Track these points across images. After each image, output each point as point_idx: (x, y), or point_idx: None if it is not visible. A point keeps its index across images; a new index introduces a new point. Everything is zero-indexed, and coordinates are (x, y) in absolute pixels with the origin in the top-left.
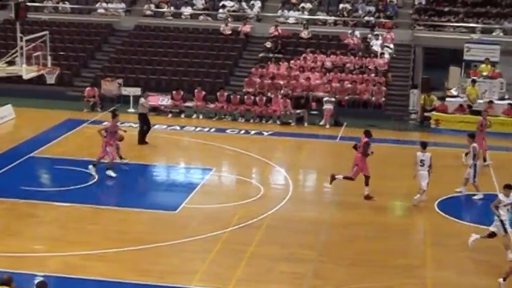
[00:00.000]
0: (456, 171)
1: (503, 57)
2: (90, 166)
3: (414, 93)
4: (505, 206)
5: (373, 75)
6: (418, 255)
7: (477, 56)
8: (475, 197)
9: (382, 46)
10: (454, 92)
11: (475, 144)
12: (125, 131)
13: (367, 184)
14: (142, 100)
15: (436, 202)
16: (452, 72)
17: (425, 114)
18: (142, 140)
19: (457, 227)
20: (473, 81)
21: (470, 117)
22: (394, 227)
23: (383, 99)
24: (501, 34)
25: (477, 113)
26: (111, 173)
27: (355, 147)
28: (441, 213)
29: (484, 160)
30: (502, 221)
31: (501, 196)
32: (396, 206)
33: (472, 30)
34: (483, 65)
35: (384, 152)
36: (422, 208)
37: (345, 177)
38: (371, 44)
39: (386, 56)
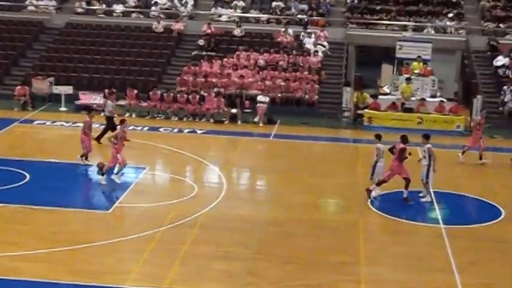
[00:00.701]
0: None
1: (434, 54)
2: (113, 176)
3: (347, 91)
4: None
5: (306, 73)
6: (351, 252)
7: (409, 54)
8: (423, 199)
9: (315, 44)
10: (386, 89)
11: (429, 145)
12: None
13: (407, 187)
14: (109, 103)
15: (369, 199)
16: (384, 70)
17: (358, 111)
18: (98, 138)
19: (390, 223)
20: (408, 79)
21: (403, 115)
22: (328, 224)
23: (316, 97)
24: (432, 32)
25: (409, 110)
26: (116, 178)
27: (391, 150)
28: (374, 210)
29: (480, 158)
30: None
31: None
32: (330, 203)
33: (404, 28)
34: (415, 63)
35: (318, 150)
36: (356, 205)
37: (378, 184)
38: (304, 42)
39: (320, 54)
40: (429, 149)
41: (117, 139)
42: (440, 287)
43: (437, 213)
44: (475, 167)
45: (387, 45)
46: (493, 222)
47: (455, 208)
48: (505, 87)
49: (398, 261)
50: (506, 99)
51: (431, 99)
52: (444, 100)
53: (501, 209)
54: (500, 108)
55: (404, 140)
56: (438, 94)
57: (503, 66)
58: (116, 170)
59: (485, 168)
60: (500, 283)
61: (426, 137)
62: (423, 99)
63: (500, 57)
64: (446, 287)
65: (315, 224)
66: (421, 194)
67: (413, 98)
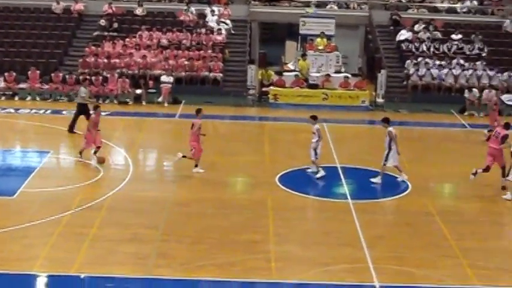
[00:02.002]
0: (296, 145)
1: (338, 30)
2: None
3: (252, 69)
4: None
5: (210, 51)
6: (261, 230)
7: (313, 30)
8: (373, 180)
9: (219, 22)
10: (291, 66)
11: (390, 129)
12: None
13: (503, 175)
14: (82, 89)
15: (277, 176)
16: (288, 47)
17: (264, 89)
18: (71, 128)
19: (298, 200)
20: (304, 55)
21: (308, 91)
22: (237, 202)
23: (221, 75)
24: (335, 8)
25: (315, 86)
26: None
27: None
28: (282, 187)
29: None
30: None
31: None
32: (237, 181)
33: (307, 4)
34: (319, 39)
35: (224, 128)
36: (264, 183)
37: (484, 170)
38: (207, 20)
39: (223, 32)
40: (390, 132)
41: (93, 124)
42: (350, 262)
43: (344, 188)
44: (381, 142)
45: (290, 22)
46: (400, 195)
47: (363, 183)
48: (409, 61)
49: (308, 237)
50: (410, 73)
51: (336, 75)
52: (349, 75)
53: (408, 182)
54: (404, 82)
55: (507, 126)
56: (343, 70)
57: (406, 40)
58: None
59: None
60: (408, 255)
61: (386, 121)
62: (328, 75)
63: (403, 32)
64: (356, 261)
65: (224, 203)
66: (309, 170)
67: (317, 74)
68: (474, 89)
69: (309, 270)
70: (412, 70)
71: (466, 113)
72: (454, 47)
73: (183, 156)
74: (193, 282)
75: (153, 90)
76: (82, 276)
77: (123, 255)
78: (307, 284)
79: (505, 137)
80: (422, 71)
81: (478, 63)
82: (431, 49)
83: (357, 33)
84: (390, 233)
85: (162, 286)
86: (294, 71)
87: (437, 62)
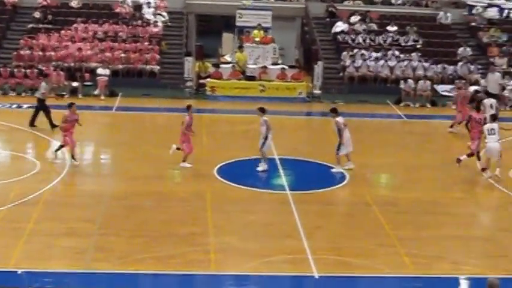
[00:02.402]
0: (234, 137)
1: (275, 22)
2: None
3: (189, 61)
4: None
5: (146, 43)
6: (200, 223)
7: (249, 22)
8: (333, 170)
9: (155, 14)
10: (228, 58)
11: (337, 119)
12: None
13: (479, 158)
14: (43, 85)
15: (215, 168)
16: (225, 39)
17: (201, 81)
18: (31, 122)
19: (237, 192)
20: (241, 47)
21: (246, 83)
22: (175, 195)
23: (157, 67)
24: (272, 0)
25: (252, 78)
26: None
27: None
28: (221, 179)
29: (451, 126)
30: None
31: None
32: (175, 174)
33: None
34: (256, 31)
35: (161, 121)
36: (202, 175)
37: (469, 155)
38: (143, 12)
39: (159, 24)
40: (337, 123)
41: (67, 122)
42: (289, 253)
43: (283, 179)
44: (319, 133)
45: (227, 14)
46: (338, 186)
47: (301, 174)
48: (345, 52)
49: (247, 229)
50: (346, 65)
51: (273, 67)
52: (286, 67)
53: (345, 173)
54: (341, 74)
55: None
56: (279, 61)
57: (342, 32)
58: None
59: (328, 134)
60: (346, 245)
61: (334, 111)
62: (265, 67)
63: (339, 23)
64: (295, 252)
65: (162, 196)
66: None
67: (254, 66)
68: (409, 80)
69: (248, 262)
70: (348, 62)
71: (401, 104)
72: (390, 39)
73: (177, 149)
74: (132, 275)
75: (90, 83)
76: (19, 271)
77: (61, 250)
78: (246, 275)
79: (485, 118)
80: (359, 62)
81: (413, 54)
82: (367, 41)
83: (293, 25)
84: (328, 223)
85: (101, 280)
86: (231, 63)
87: (373, 54)
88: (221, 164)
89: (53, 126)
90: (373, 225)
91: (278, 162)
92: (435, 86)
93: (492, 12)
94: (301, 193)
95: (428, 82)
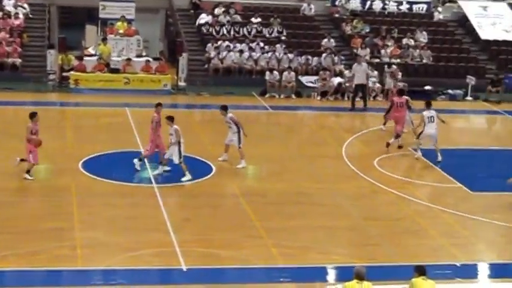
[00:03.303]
0: (98, 130)
1: (138, 14)
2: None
3: (51, 54)
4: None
5: (7, 36)
6: (65, 218)
7: (113, 14)
8: (239, 166)
9: (16, 6)
10: (91, 50)
11: (231, 115)
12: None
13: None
14: None
15: (80, 162)
16: (88, 31)
17: (64, 74)
18: None
19: (103, 186)
20: (104, 39)
21: (110, 76)
22: (40, 190)
23: (19, 60)
24: None
25: (116, 71)
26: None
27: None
28: (86, 173)
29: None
30: None
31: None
32: (40, 168)
33: None
34: (119, 23)
35: (24, 115)
36: (67, 169)
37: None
38: (4, 4)
39: (20, 16)
40: (232, 118)
41: (32, 134)
42: (157, 246)
43: (149, 173)
44: (185, 125)
45: (90, 6)
46: (205, 178)
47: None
48: (209, 44)
49: (114, 223)
50: (211, 57)
51: (137, 59)
52: (150, 59)
53: (211, 164)
54: (206, 66)
55: (401, 92)
56: (144, 54)
57: (206, 23)
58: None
59: (193, 127)
60: (214, 237)
61: (224, 108)
62: (129, 59)
63: (203, 15)
64: (163, 245)
65: (26, 191)
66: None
67: (118, 59)
68: (274, 72)
69: (115, 256)
70: (213, 53)
71: (267, 95)
72: (254, 30)
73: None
74: None
75: None
76: None
77: None
78: (114, 270)
79: (408, 100)
80: (223, 54)
81: (277, 46)
82: (232, 32)
83: (157, 17)
84: (196, 215)
85: None
86: (95, 55)
87: (238, 45)
88: (86, 158)
89: None
90: (240, 217)
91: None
92: (300, 77)
93: (355, 4)
94: (168, 186)
95: (292, 73)
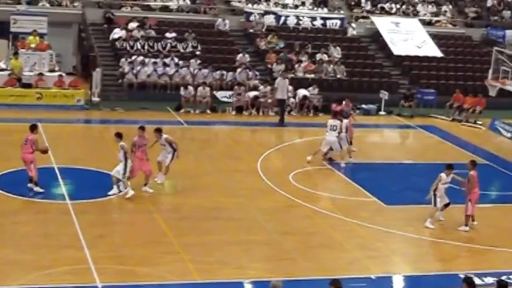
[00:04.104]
0: (10, 146)
1: (51, 28)
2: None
3: None
4: (443, 184)
5: None
6: None
7: (24, 28)
8: (158, 180)
9: None
10: (2, 65)
11: (166, 136)
12: None
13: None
14: None
15: None
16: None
17: None
18: None
19: (14, 203)
20: (16, 54)
21: (22, 91)
22: None
23: None
24: (47, 5)
25: (28, 85)
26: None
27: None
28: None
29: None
30: (435, 195)
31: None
32: None
33: (18, 1)
34: (31, 37)
35: None
36: None
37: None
38: None
39: None
40: (167, 139)
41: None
42: (71, 263)
43: (62, 189)
44: (98, 140)
45: (1, 20)
46: (120, 194)
47: (81, 183)
48: (123, 59)
49: (26, 241)
50: (125, 72)
51: (50, 74)
52: (63, 74)
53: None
54: (120, 81)
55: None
56: (57, 68)
57: (120, 38)
58: None
59: (108, 142)
60: (129, 254)
61: (158, 130)
62: (41, 74)
63: (117, 30)
64: (77, 262)
65: None
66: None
67: (30, 73)
68: (189, 87)
69: (28, 274)
70: (127, 68)
71: (182, 110)
72: (169, 45)
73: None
74: None
75: None
76: None
77: None
78: None
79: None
80: (138, 69)
81: (192, 61)
82: (146, 47)
83: (70, 31)
84: (110, 232)
85: None
86: (6, 70)
87: (152, 60)
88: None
89: None
90: (156, 233)
91: (57, 171)
92: (215, 93)
93: (269, 19)
94: (82, 202)
95: (207, 88)
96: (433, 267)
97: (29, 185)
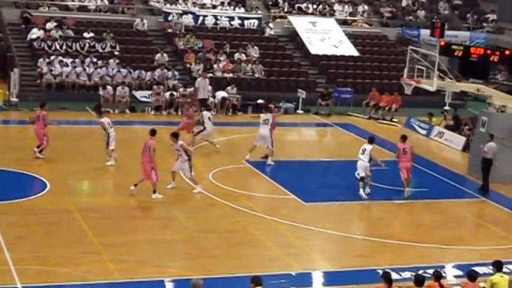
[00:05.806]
0: None
1: None
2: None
3: None
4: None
5: None
6: None
7: None
8: (195, 191)
9: None
10: None
11: (181, 142)
12: None
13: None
14: None
15: None
16: None
17: None
18: None
19: None
20: None
21: None
22: None
23: None
24: None
25: None
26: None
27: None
28: None
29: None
30: None
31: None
32: None
33: None
34: None
35: None
36: None
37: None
38: None
39: None
40: (182, 146)
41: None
42: None
43: None
44: (17, 141)
45: None
46: (39, 195)
47: (1, 184)
48: (41, 59)
49: None
50: (43, 72)
51: None
52: None
53: (46, 181)
54: (38, 81)
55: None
56: None
57: (38, 38)
58: None
59: (27, 142)
60: (50, 254)
61: (175, 135)
62: None
63: (35, 30)
64: None
65: None
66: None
67: None
68: (108, 87)
69: None
70: (45, 69)
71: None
72: (87, 45)
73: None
74: None
75: None
76: None
77: None
78: None
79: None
80: (56, 69)
81: (110, 61)
82: (64, 47)
83: None
84: (30, 233)
85: None
86: None
87: (71, 60)
88: None
89: None
90: (76, 233)
91: None
92: (133, 92)
93: (187, 19)
94: (1, 203)
95: (126, 88)
96: (352, 263)
97: None
